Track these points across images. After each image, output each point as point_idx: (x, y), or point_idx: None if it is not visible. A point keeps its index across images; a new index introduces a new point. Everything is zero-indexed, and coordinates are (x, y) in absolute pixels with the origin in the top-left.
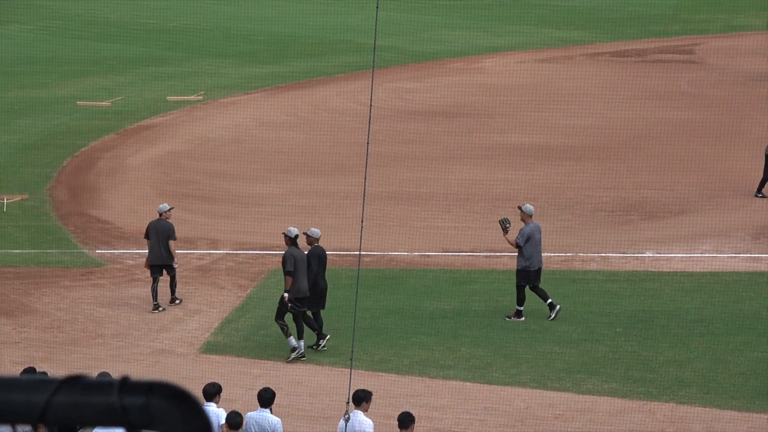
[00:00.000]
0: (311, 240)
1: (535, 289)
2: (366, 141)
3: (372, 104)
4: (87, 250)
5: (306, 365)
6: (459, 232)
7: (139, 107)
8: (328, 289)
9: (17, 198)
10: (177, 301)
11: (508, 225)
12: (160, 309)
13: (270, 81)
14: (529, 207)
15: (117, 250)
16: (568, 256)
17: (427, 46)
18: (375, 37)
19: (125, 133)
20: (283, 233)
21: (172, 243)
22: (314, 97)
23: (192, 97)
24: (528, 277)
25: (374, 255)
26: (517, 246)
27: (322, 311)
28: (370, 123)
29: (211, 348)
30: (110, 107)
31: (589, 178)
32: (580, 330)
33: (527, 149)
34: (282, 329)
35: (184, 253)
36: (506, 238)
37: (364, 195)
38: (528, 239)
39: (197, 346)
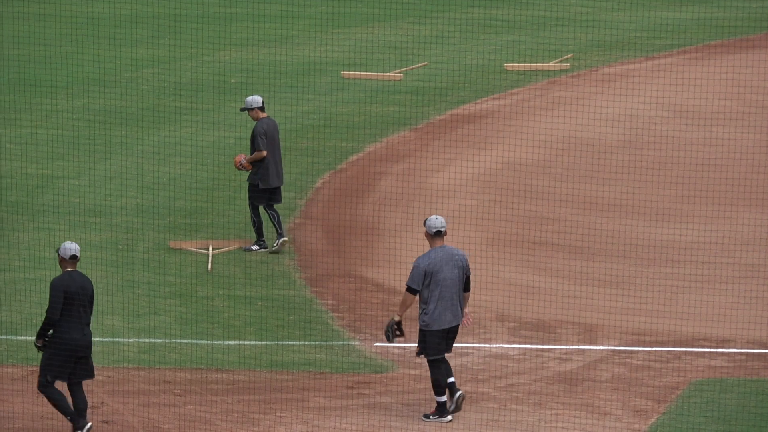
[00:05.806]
0: (67, 264)
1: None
2: None
3: None
4: (358, 342)
5: None
6: None
7: (453, 82)
8: None
9: (233, 246)
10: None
11: (392, 335)
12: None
13: (695, 35)
14: (434, 221)
15: (413, 343)
16: None
17: None
18: None
19: (428, 129)
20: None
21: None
22: None
23: (551, 64)
24: (432, 343)
25: None
26: (409, 290)
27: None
28: None
29: None
30: (402, 81)
31: None
32: None
33: None
34: None
35: (532, 348)
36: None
37: None
38: (427, 278)
39: None
